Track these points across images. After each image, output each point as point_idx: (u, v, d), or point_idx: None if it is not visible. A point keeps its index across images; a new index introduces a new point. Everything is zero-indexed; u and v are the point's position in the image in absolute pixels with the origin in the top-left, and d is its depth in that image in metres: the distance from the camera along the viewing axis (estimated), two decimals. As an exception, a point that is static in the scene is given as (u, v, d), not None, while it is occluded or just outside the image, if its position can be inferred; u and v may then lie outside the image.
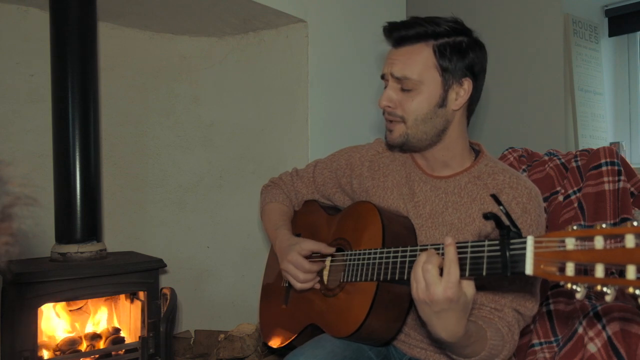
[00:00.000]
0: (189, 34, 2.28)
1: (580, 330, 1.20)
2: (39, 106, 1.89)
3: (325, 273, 1.21)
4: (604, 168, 1.50)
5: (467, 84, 1.07)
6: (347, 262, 1.12)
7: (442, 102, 1.06)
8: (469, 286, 0.84)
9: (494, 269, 0.81)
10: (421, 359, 1.13)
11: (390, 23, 1.09)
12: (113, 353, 1.70)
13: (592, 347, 1.16)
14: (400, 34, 1.07)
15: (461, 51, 1.06)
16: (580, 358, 1.18)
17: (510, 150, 1.84)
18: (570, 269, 0.68)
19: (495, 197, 0.83)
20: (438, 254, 0.86)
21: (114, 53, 2.13)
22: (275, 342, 1.29)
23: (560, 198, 1.59)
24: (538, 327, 1.38)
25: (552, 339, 1.34)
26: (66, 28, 1.67)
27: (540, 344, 1.34)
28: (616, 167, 1.49)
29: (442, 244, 0.89)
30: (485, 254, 0.82)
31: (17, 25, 1.89)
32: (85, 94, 1.68)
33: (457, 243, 0.88)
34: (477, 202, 1.07)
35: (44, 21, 1.81)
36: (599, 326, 1.17)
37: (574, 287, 0.67)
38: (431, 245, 0.93)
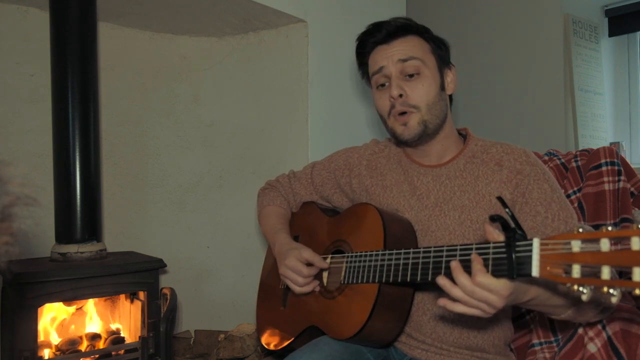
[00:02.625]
0: (189, 34, 2.28)
1: (580, 330, 1.20)
2: (39, 106, 1.89)
3: (325, 275, 1.21)
4: (604, 168, 1.49)
5: (454, 71, 1.15)
6: (347, 264, 1.12)
7: (442, 85, 1.12)
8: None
9: (500, 270, 0.81)
10: (422, 359, 1.13)
11: (374, 23, 1.13)
12: (113, 353, 1.70)
13: (592, 347, 1.16)
14: (390, 27, 1.10)
15: (441, 44, 1.14)
16: (580, 358, 1.18)
17: (510, 150, 1.84)
18: (576, 271, 0.68)
19: (501, 200, 0.83)
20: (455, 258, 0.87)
21: (114, 53, 2.13)
22: (273, 344, 1.29)
23: (560, 198, 1.58)
24: (538, 327, 1.38)
25: (552, 339, 1.34)
26: (66, 28, 1.67)
27: (540, 344, 1.33)
28: (616, 167, 1.49)
29: (446, 246, 0.90)
30: (491, 256, 0.82)
31: (17, 25, 1.89)
32: (85, 94, 1.68)
33: (460, 245, 0.88)
34: (482, 179, 1.09)
35: (44, 21, 1.81)
36: (599, 326, 1.17)
37: (581, 288, 0.67)
38: (435, 247, 0.93)
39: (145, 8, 1.98)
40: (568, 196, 1.57)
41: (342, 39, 2.21)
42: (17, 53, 1.88)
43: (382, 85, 1.11)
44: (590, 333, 1.18)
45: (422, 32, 1.12)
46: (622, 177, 1.48)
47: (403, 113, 1.08)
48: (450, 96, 1.17)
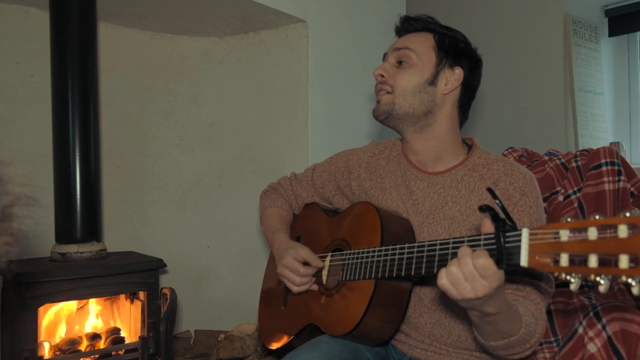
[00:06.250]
0: (189, 34, 2.28)
1: (580, 330, 1.20)
2: (39, 106, 1.89)
3: (324, 273, 1.21)
4: (604, 168, 1.50)
5: (459, 73, 1.12)
6: (346, 262, 1.13)
7: (433, 81, 1.11)
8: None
9: None
10: (421, 359, 1.13)
11: (402, 19, 1.19)
12: (113, 353, 1.70)
13: (592, 347, 1.16)
14: (408, 24, 1.16)
15: (458, 49, 1.13)
16: (580, 358, 1.18)
17: (510, 150, 1.84)
18: (564, 260, 0.69)
19: (491, 191, 0.84)
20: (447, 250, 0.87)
21: (114, 53, 2.13)
22: (274, 344, 1.29)
23: (560, 198, 1.59)
24: (538, 327, 1.38)
25: (552, 339, 1.34)
26: (66, 28, 1.67)
27: (540, 344, 1.33)
28: (616, 167, 1.49)
29: (439, 240, 0.91)
30: (482, 248, 0.83)
31: (17, 25, 1.89)
32: (85, 94, 1.68)
33: (453, 238, 0.89)
34: (476, 194, 1.09)
35: (44, 21, 1.81)
36: (599, 326, 1.17)
37: (568, 277, 0.68)
38: (429, 241, 0.94)
39: (145, 8, 1.98)
40: (568, 196, 1.57)
41: (342, 39, 2.21)
42: (17, 53, 1.89)
43: None
44: (590, 333, 1.18)
45: (437, 31, 1.14)
46: (622, 177, 1.48)
47: (381, 91, 1.14)
48: (465, 108, 1.15)
